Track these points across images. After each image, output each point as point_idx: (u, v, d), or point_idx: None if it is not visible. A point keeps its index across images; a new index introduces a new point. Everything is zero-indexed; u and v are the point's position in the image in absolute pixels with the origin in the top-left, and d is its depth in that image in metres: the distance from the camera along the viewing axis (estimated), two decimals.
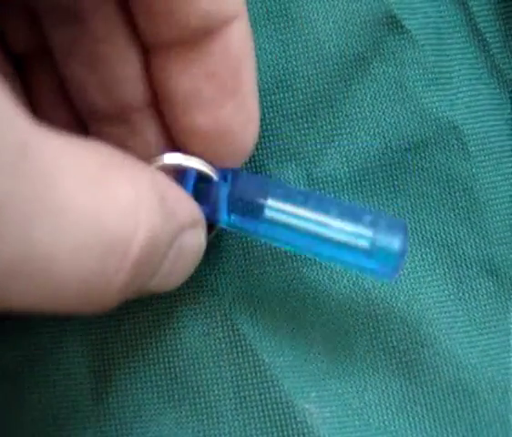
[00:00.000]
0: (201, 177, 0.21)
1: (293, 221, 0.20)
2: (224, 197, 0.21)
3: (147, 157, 0.20)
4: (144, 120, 0.21)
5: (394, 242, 0.19)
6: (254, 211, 0.20)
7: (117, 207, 0.15)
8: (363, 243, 0.19)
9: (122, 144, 0.20)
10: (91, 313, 0.16)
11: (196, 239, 0.20)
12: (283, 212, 0.20)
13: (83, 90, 0.20)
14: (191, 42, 0.19)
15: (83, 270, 0.14)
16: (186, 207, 0.19)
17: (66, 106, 0.21)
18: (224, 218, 0.21)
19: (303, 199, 0.20)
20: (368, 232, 0.19)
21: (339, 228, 0.20)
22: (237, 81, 0.20)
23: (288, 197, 0.20)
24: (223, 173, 0.21)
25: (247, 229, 0.21)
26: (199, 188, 0.21)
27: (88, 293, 0.15)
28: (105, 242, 0.15)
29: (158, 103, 0.21)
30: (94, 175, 0.15)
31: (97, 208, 0.15)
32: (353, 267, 0.21)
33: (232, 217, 0.21)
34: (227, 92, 0.20)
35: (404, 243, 0.19)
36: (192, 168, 0.20)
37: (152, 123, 0.21)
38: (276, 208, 0.20)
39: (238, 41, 0.19)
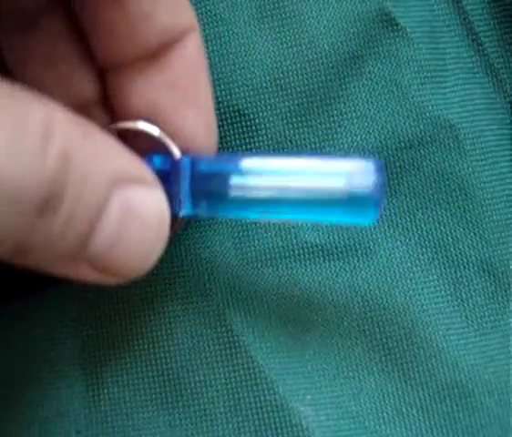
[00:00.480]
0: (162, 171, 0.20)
1: (261, 194, 0.19)
2: (186, 182, 0.20)
3: None
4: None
5: (370, 178, 0.18)
6: (219, 194, 0.20)
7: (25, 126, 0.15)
8: (339, 182, 0.18)
9: None
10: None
11: (149, 200, 0.18)
12: (248, 188, 0.19)
13: None
14: (150, 56, 0.20)
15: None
16: (126, 158, 0.18)
17: None
18: (187, 206, 0.20)
19: (270, 164, 0.19)
20: (342, 170, 0.19)
21: (312, 172, 0.19)
22: (196, 89, 0.20)
23: (252, 168, 0.19)
24: (184, 157, 0.20)
25: (214, 213, 0.20)
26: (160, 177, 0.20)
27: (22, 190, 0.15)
28: (17, 149, 0.15)
29: (118, 118, 0.21)
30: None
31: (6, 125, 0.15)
32: (332, 215, 0.19)
33: (196, 203, 0.20)
34: (187, 101, 0.20)
35: (381, 180, 0.18)
36: (153, 139, 0.20)
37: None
38: (241, 186, 0.19)
39: (194, 51, 0.20)
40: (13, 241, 0.15)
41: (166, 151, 0.21)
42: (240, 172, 0.20)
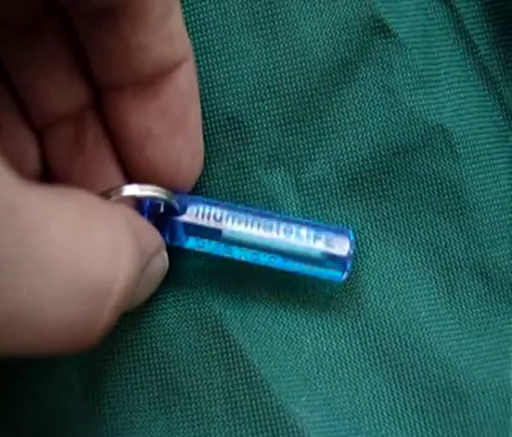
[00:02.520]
0: (155, 205, 0.22)
1: (249, 241, 0.22)
2: (181, 224, 0.22)
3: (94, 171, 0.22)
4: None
5: (342, 250, 0.22)
6: (211, 236, 0.22)
7: (98, 254, 0.16)
8: (316, 255, 0.22)
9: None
10: (76, 352, 0.17)
11: (160, 263, 0.21)
12: (238, 235, 0.22)
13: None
14: (144, 83, 0.20)
15: (67, 317, 0.15)
16: (151, 236, 0.20)
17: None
18: (182, 243, 0.22)
19: (255, 220, 0.22)
20: (319, 246, 0.22)
21: (294, 244, 0.22)
22: (186, 117, 0.21)
23: (242, 219, 0.22)
24: (179, 200, 0.22)
25: (204, 251, 0.22)
26: (155, 215, 0.22)
27: (73, 337, 0.16)
28: (87, 290, 0.15)
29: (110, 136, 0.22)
30: (74, 223, 0.16)
31: (79, 255, 0.15)
32: (309, 273, 0.23)
33: (189, 242, 0.22)
34: (177, 127, 0.21)
35: (351, 249, 0.22)
36: (150, 198, 0.21)
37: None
38: (231, 233, 0.22)
39: (187, 80, 0.21)
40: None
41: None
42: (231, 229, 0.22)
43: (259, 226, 0.22)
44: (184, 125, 0.21)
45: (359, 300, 0.23)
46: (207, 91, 0.24)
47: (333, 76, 0.24)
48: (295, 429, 0.22)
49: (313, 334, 0.23)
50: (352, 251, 0.22)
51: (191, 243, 0.22)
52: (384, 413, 0.22)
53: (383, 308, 0.23)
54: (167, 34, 0.20)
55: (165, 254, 0.21)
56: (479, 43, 0.25)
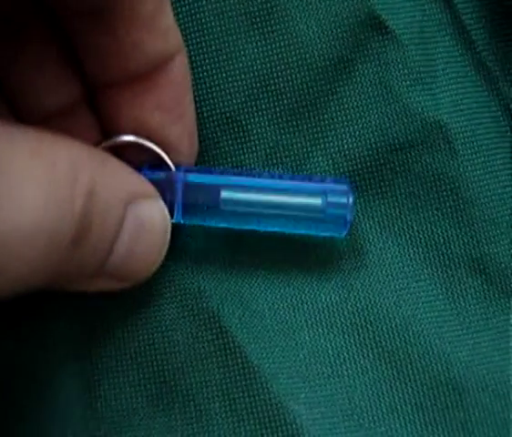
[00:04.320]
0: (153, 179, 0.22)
1: (250, 209, 0.22)
2: (179, 193, 0.22)
3: None
4: None
5: (344, 199, 0.22)
6: (209, 206, 0.22)
7: (56, 172, 0.17)
8: (317, 203, 0.22)
9: None
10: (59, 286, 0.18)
11: (156, 211, 0.21)
12: (238, 202, 0.22)
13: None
14: (139, 78, 0.21)
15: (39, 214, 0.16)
16: (134, 177, 0.20)
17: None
18: (179, 215, 0.22)
19: (256, 181, 0.22)
20: (321, 191, 0.22)
21: (295, 192, 0.22)
22: (181, 107, 0.22)
23: (241, 184, 0.22)
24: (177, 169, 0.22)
25: (203, 222, 0.22)
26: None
27: (52, 234, 0.17)
28: (51, 200, 0.17)
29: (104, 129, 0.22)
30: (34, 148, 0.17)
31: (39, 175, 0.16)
32: (310, 228, 0.22)
33: (187, 213, 0.22)
34: (173, 118, 0.21)
35: (352, 201, 0.22)
36: (147, 150, 0.22)
37: None
38: (230, 200, 0.22)
39: (180, 72, 0.21)
40: (47, 274, 0.17)
41: (157, 163, 0.22)
42: (230, 187, 0.22)
43: (258, 189, 0.22)
44: (179, 115, 0.22)
45: (357, 297, 0.23)
46: (204, 90, 0.24)
47: (330, 73, 0.24)
48: (294, 426, 0.22)
49: (312, 331, 0.23)
50: (352, 200, 0.22)
51: (190, 215, 0.22)
52: (384, 410, 0.22)
53: (381, 304, 0.23)
54: (159, 29, 0.20)
55: (161, 205, 0.21)
56: (477, 38, 0.25)
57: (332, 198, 0.22)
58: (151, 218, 0.21)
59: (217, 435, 0.22)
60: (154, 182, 0.21)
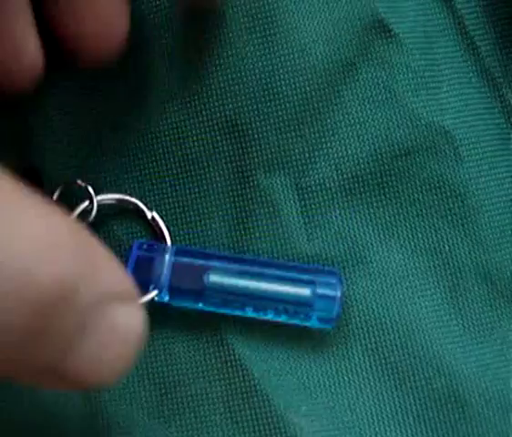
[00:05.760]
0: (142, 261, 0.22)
1: (235, 297, 0.22)
2: (166, 273, 0.22)
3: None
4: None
5: (332, 294, 0.22)
6: (196, 288, 0.22)
7: (25, 240, 0.14)
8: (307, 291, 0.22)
9: None
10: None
11: (131, 320, 0.16)
12: (224, 289, 0.22)
13: None
14: None
15: None
16: (115, 273, 0.16)
17: None
18: (164, 296, 0.22)
19: (242, 268, 0.22)
20: (307, 291, 0.22)
21: (282, 292, 0.22)
22: None
23: (227, 270, 0.22)
24: (164, 248, 0.22)
25: (188, 305, 0.22)
26: (140, 264, 0.22)
27: None
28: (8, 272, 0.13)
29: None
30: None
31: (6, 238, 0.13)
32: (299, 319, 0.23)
33: (173, 296, 0.22)
34: None
35: (341, 293, 0.22)
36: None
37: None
38: (216, 286, 0.22)
39: None
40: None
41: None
42: (218, 271, 0.22)
43: (245, 274, 0.22)
44: None
45: (361, 306, 0.23)
46: (206, 95, 0.23)
47: (333, 77, 0.23)
48: None
49: (313, 343, 0.23)
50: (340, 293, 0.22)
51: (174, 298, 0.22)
52: (386, 422, 0.22)
53: (385, 314, 0.23)
54: None
55: (139, 313, 0.17)
56: (481, 44, 0.24)
57: (321, 291, 0.22)
58: (127, 326, 0.16)
59: None
60: (142, 259, 0.22)
